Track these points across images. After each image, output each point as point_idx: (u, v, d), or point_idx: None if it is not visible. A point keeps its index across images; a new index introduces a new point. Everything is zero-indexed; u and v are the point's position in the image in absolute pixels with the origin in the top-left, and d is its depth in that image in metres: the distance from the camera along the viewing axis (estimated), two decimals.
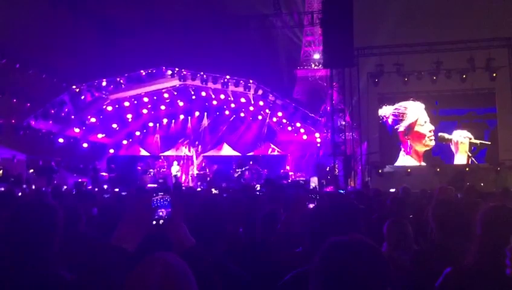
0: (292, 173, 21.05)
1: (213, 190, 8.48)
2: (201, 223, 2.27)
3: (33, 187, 14.69)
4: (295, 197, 3.19)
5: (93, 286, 1.87)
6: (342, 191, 8.49)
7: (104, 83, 19.52)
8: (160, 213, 2.02)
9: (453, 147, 19.14)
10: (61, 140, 19.17)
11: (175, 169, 22.43)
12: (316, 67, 66.85)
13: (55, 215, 2.25)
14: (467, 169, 17.93)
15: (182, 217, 2.05)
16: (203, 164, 22.95)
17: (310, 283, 1.47)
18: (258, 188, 13.27)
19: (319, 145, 21.79)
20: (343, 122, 18.33)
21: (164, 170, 22.59)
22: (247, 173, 20.96)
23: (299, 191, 7.99)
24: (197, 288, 1.52)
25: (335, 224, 2.15)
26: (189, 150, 23.79)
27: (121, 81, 19.51)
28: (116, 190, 12.59)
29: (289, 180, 19.12)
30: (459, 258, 3.04)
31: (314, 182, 18.84)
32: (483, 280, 2.34)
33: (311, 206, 3.42)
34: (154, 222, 2.01)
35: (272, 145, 23.31)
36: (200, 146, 23.77)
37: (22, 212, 2.22)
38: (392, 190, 9.27)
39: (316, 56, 66.78)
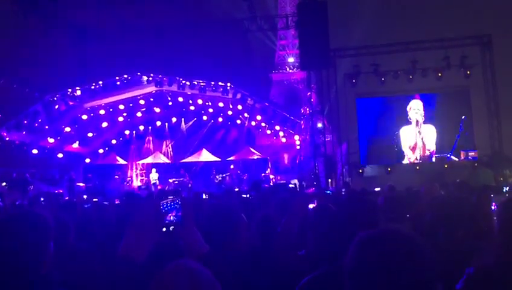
0: (273, 177, 20.99)
1: (204, 195, 8.28)
2: (214, 228, 2.12)
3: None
4: (297, 199, 3.08)
5: None
6: (329, 192, 8.41)
7: (78, 92, 19.14)
8: (171, 218, 1.84)
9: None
10: (35, 151, 18.67)
11: (154, 177, 22.10)
12: (290, 71, 67.29)
13: (48, 227, 1.91)
14: (446, 166, 18.16)
15: (193, 221, 1.89)
16: (182, 171, 22.65)
17: (346, 287, 1.33)
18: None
19: (298, 147, 21.79)
20: (320, 125, 18.39)
21: (143, 178, 22.26)
22: (227, 178, 20.80)
23: (293, 192, 7.88)
24: None
25: (348, 223, 2.04)
26: (167, 157, 23.47)
27: (96, 89, 19.15)
28: (95, 199, 12.24)
29: (270, 184, 19.03)
30: (466, 256, 2.97)
31: (294, 184, 18.79)
32: (509, 281, 2.16)
33: (311, 206, 3.31)
34: (164, 229, 1.84)
35: (252, 149, 23.14)
36: (176, 152, 23.49)
37: (8, 226, 1.84)
38: (378, 189, 9.26)
39: (291, 60, 67.22)
